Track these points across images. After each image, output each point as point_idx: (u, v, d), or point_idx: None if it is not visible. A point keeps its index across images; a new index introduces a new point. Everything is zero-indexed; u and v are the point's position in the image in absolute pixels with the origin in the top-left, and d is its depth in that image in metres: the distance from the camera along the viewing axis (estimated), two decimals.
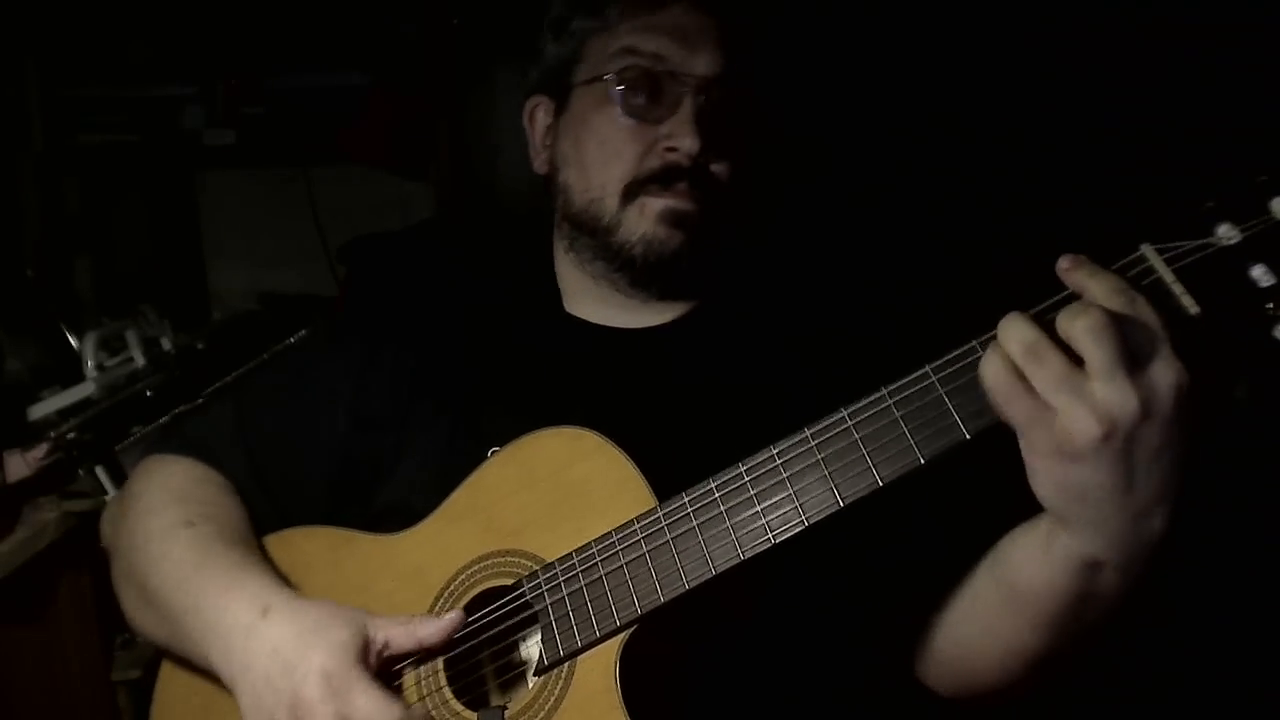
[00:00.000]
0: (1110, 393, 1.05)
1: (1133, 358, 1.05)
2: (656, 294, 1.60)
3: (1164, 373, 1.06)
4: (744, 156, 1.57)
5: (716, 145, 1.53)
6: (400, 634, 1.35)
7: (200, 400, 2.50)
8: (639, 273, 1.56)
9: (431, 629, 1.35)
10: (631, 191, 1.54)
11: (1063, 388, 1.06)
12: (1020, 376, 1.08)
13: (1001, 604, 1.33)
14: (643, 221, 1.54)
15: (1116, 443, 1.06)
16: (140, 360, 2.69)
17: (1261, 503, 2.45)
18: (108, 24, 3.33)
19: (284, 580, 1.49)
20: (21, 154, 3.28)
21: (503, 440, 1.43)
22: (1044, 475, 1.12)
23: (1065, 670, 1.36)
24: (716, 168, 1.54)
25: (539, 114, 1.69)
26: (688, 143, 1.51)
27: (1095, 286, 1.08)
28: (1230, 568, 2.46)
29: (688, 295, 1.61)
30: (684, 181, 1.52)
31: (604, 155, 1.56)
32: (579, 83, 1.60)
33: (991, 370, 1.09)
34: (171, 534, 1.52)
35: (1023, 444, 1.11)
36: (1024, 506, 1.20)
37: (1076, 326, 1.05)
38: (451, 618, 1.36)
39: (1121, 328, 1.05)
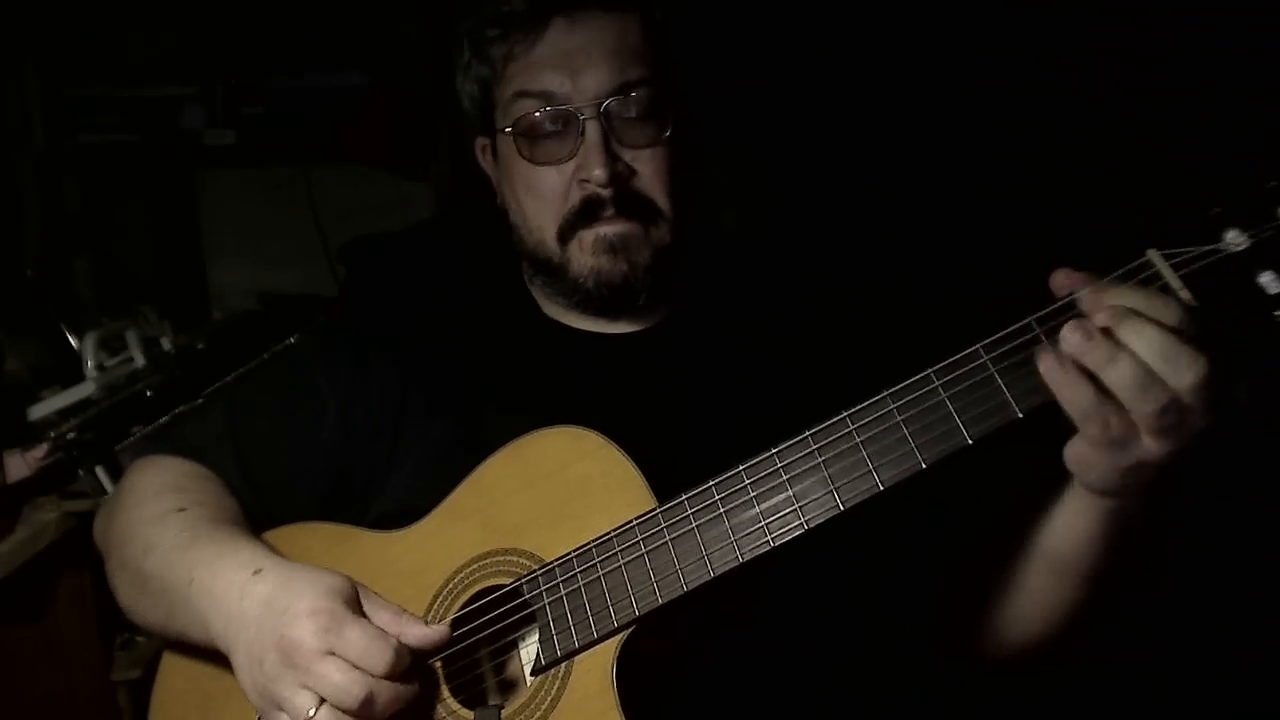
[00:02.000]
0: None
1: None
2: (625, 315, 1.60)
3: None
4: (667, 158, 1.55)
5: (633, 159, 1.53)
6: (387, 619, 1.35)
7: (200, 400, 2.50)
8: (597, 303, 1.57)
9: (417, 633, 1.34)
10: (565, 231, 1.55)
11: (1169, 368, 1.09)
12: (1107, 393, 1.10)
13: (1045, 574, 1.39)
14: (584, 256, 1.54)
15: (1186, 441, 1.12)
16: (140, 360, 2.68)
17: (1261, 503, 2.46)
18: (108, 24, 3.33)
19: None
20: (21, 154, 3.27)
21: (500, 442, 1.43)
22: (1108, 476, 1.17)
23: (1107, 608, 1.43)
24: (639, 181, 1.54)
25: (487, 153, 1.68)
26: (597, 173, 1.50)
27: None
28: (1230, 567, 2.47)
29: (663, 302, 1.60)
30: (609, 208, 1.52)
31: (532, 200, 1.56)
32: (499, 129, 1.59)
33: (1081, 392, 1.10)
34: (163, 520, 1.53)
35: (1100, 453, 1.14)
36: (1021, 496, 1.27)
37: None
38: (439, 630, 1.35)
39: None
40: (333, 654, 1.28)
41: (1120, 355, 1.08)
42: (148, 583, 1.52)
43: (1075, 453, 1.17)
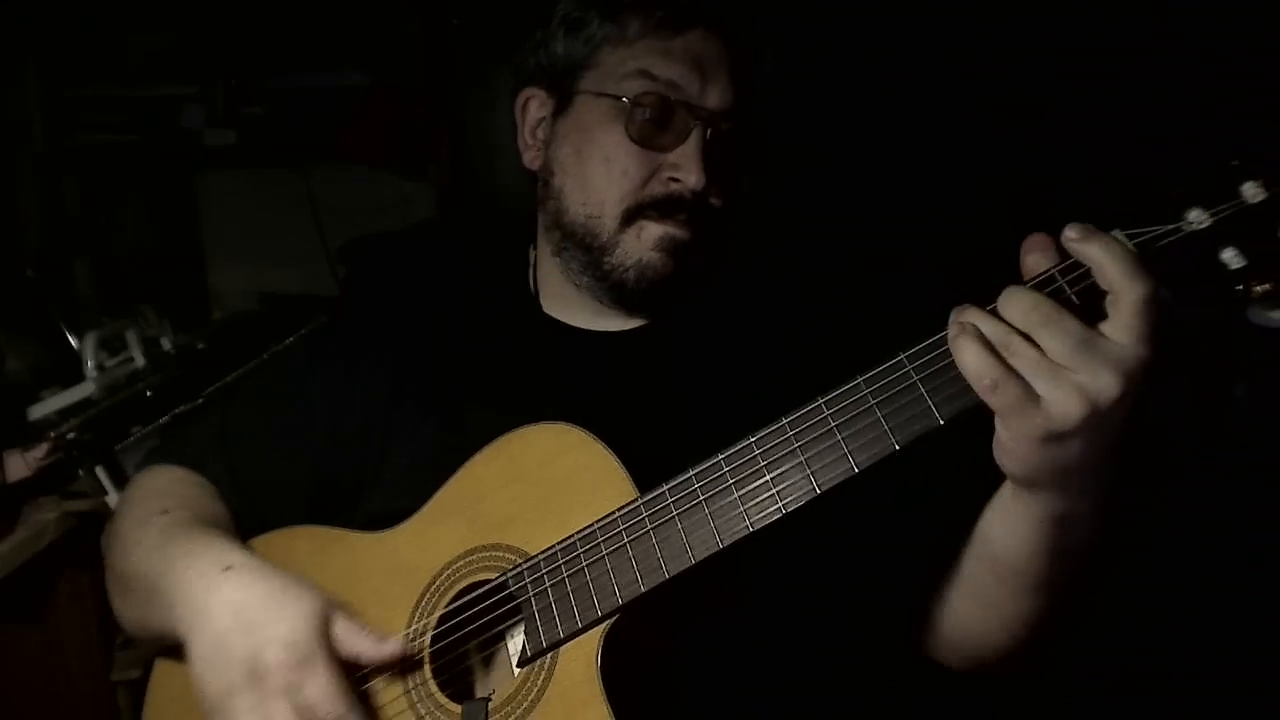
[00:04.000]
0: (1100, 375, 1.08)
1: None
2: (641, 313, 1.60)
3: (1139, 350, 1.09)
4: (739, 185, 1.57)
5: (718, 178, 1.53)
6: (347, 640, 1.37)
7: (200, 400, 2.51)
8: (628, 294, 1.56)
9: (369, 647, 1.37)
10: (631, 214, 1.53)
11: (1075, 360, 1.08)
12: (1002, 360, 1.09)
13: (993, 582, 1.36)
14: (639, 246, 1.53)
15: (1096, 420, 1.09)
16: (140, 360, 2.69)
17: (1262, 503, 2.45)
18: (108, 24, 3.34)
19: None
20: (21, 154, 3.28)
21: (486, 441, 1.43)
22: (1021, 456, 1.14)
23: (1067, 621, 1.40)
24: (715, 200, 1.54)
25: (532, 106, 1.66)
26: (694, 178, 1.51)
27: (1109, 262, 1.09)
28: (1230, 567, 2.46)
29: (665, 306, 1.60)
30: (684, 212, 1.52)
31: (608, 174, 1.54)
32: (587, 91, 1.58)
33: (973, 354, 1.10)
34: (146, 522, 1.55)
35: (1003, 427, 1.13)
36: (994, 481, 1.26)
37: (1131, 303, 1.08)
38: (393, 644, 1.38)
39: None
40: (291, 690, 1.30)
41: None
42: (129, 582, 1.55)
43: (996, 439, 1.16)
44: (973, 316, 1.12)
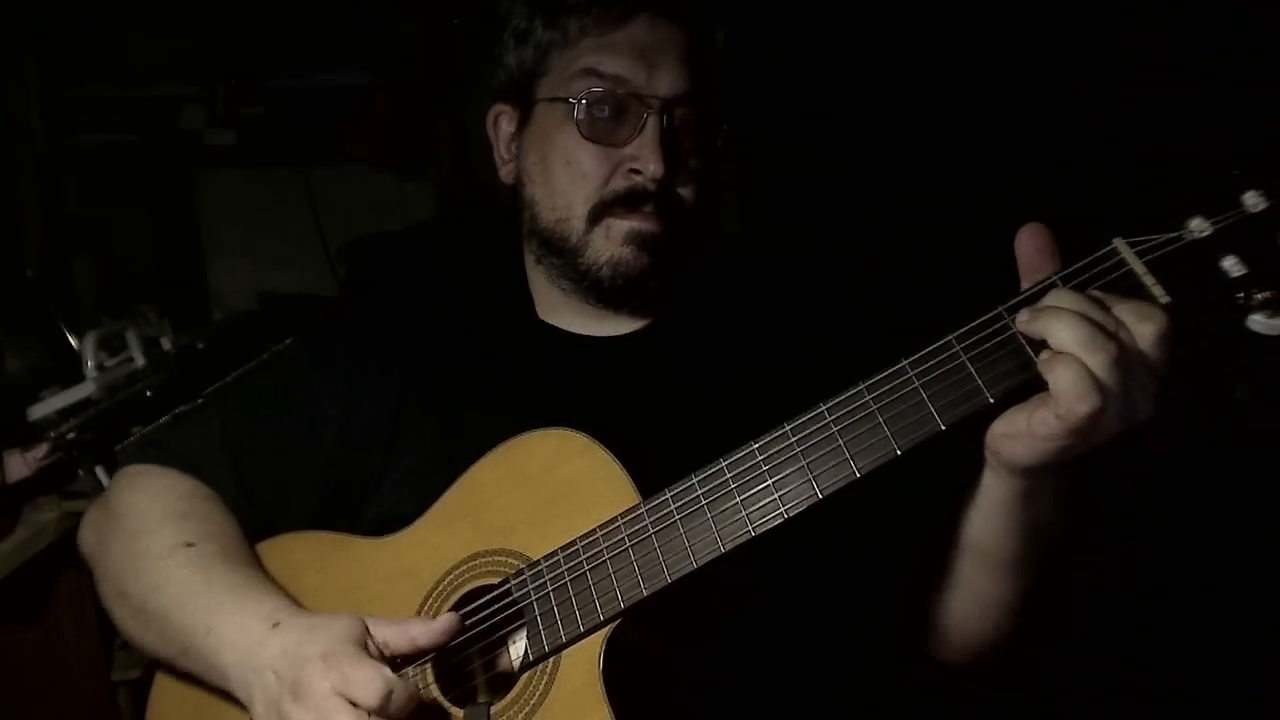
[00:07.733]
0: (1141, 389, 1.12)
1: None
2: (625, 311, 1.60)
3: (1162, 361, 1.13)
4: (707, 173, 1.57)
5: (681, 165, 1.53)
6: (393, 633, 1.36)
7: (200, 400, 2.50)
8: (606, 293, 1.56)
9: (422, 630, 1.35)
10: (597, 213, 1.53)
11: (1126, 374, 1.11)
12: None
13: (969, 566, 1.40)
14: (609, 244, 1.53)
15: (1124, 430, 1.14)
16: (140, 360, 2.69)
17: (1261, 503, 2.46)
18: (108, 24, 3.34)
19: (281, 587, 1.50)
20: (21, 154, 3.29)
21: (490, 446, 1.43)
22: (1039, 449, 1.17)
23: (1049, 603, 1.42)
24: (681, 188, 1.54)
25: (502, 122, 1.66)
26: (652, 167, 1.50)
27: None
28: (1230, 567, 2.47)
29: (658, 302, 1.60)
30: (650, 204, 1.52)
31: (569, 176, 1.55)
32: (542, 98, 1.58)
33: (1072, 376, 1.11)
34: (171, 555, 1.52)
35: (1047, 422, 1.14)
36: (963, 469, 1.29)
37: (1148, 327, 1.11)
38: (445, 621, 1.36)
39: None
40: (339, 694, 1.29)
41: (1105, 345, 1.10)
42: (155, 618, 1.52)
43: (1016, 429, 1.17)
44: (1062, 309, 1.12)
